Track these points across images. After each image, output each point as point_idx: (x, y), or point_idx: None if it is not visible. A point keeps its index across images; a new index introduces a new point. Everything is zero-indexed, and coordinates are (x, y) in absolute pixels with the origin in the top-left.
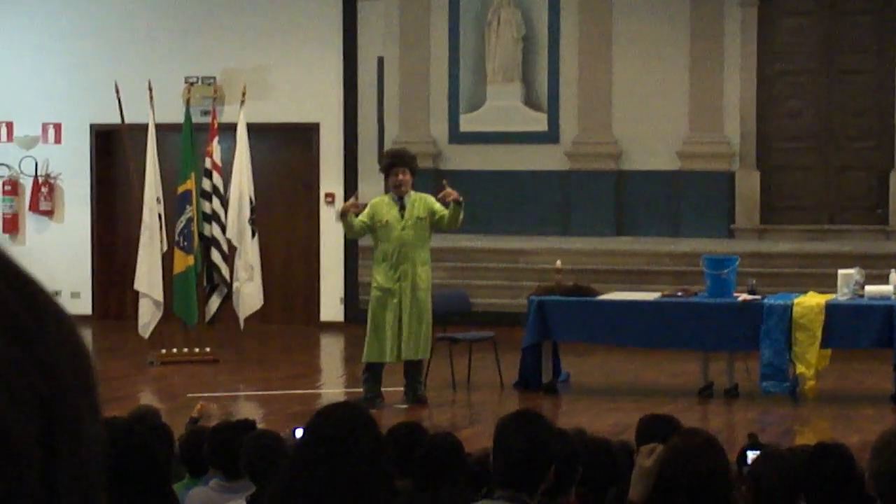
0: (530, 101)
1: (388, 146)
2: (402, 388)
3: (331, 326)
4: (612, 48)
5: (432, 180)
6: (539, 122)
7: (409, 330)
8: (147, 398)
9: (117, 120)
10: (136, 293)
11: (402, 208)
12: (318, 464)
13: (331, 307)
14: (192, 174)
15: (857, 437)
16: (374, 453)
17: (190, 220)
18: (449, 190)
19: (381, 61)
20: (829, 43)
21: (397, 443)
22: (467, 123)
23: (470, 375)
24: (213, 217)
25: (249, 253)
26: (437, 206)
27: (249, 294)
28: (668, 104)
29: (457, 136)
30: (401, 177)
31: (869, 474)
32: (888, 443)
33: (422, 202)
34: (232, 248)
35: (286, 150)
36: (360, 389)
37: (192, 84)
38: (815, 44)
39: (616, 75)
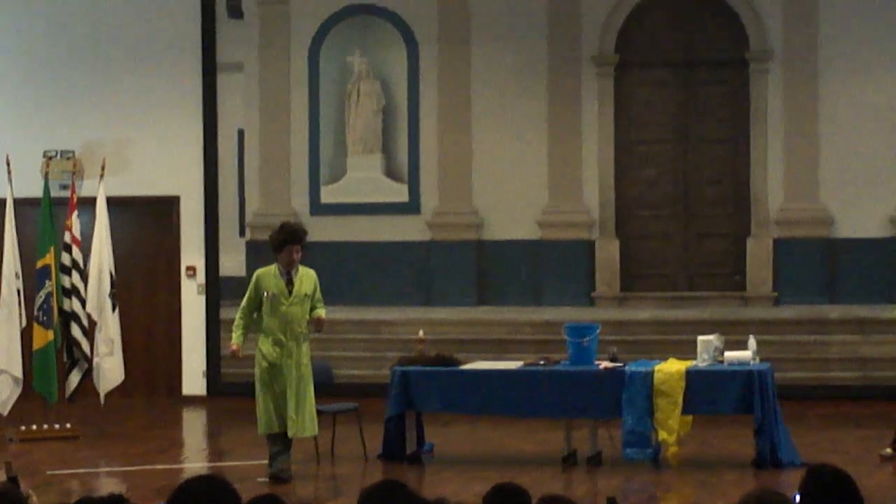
0: (391, 172)
1: (248, 218)
2: (265, 461)
3: (193, 400)
4: (472, 118)
5: None
6: (400, 193)
7: (297, 407)
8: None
9: None
10: None
11: (289, 283)
12: None
13: (193, 381)
14: (52, 248)
15: (721, 503)
16: None
17: (49, 294)
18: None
19: (241, 133)
20: (685, 111)
21: None
22: (328, 195)
23: (334, 447)
24: (72, 291)
25: (110, 327)
26: (317, 286)
27: (110, 369)
28: (527, 173)
29: (318, 208)
30: (294, 255)
31: None
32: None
33: (308, 278)
34: (92, 323)
35: (147, 223)
36: (225, 464)
37: (50, 158)
38: (670, 112)
39: (476, 145)
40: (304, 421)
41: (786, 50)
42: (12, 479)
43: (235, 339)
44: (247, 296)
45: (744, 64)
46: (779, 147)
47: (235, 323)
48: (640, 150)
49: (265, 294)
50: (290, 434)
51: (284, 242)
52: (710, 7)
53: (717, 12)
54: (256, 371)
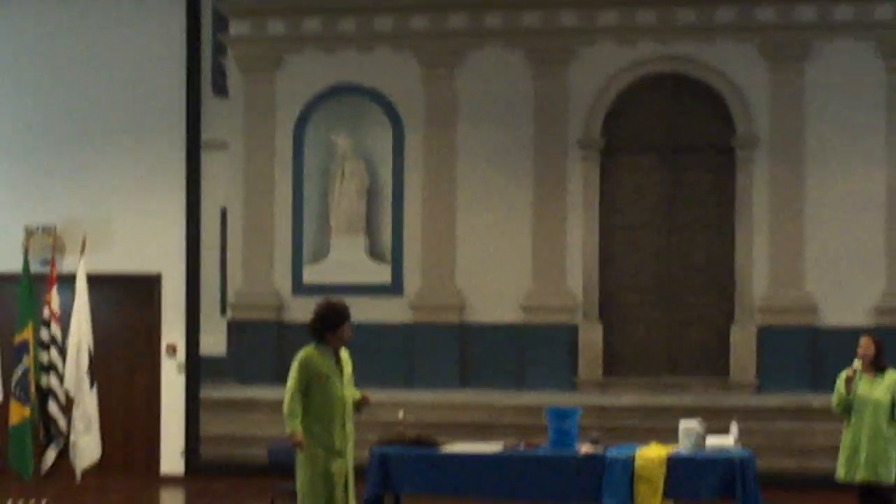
0: (374, 253)
1: (231, 298)
2: None
3: (171, 479)
4: (457, 200)
5: (275, 332)
6: (383, 274)
7: (349, 493)
8: None
9: None
10: None
11: (337, 362)
12: None
13: (171, 460)
14: (30, 323)
15: None
16: None
17: (27, 370)
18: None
19: (224, 212)
20: (670, 197)
21: None
22: (311, 275)
23: None
24: (50, 367)
25: (87, 404)
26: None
27: (87, 446)
28: (511, 256)
29: (300, 288)
30: (350, 332)
31: None
32: None
33: (348, 358)
34: (69, 400)
35: (127, 300)
36: None
37: (31, 233)
38: (655, 197)
39: (460, 227)
40: None
41: (772, 137)
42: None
43: (295, 426)
44: (295, 379)
45: (730, 150)
46: (764, 234)
47: (290, 410)
48: (625, 236)
49: (318, 377)
50: None
51: (344, 319)
52: (697, 93)
53: (705, 98)
54: (308, 460)
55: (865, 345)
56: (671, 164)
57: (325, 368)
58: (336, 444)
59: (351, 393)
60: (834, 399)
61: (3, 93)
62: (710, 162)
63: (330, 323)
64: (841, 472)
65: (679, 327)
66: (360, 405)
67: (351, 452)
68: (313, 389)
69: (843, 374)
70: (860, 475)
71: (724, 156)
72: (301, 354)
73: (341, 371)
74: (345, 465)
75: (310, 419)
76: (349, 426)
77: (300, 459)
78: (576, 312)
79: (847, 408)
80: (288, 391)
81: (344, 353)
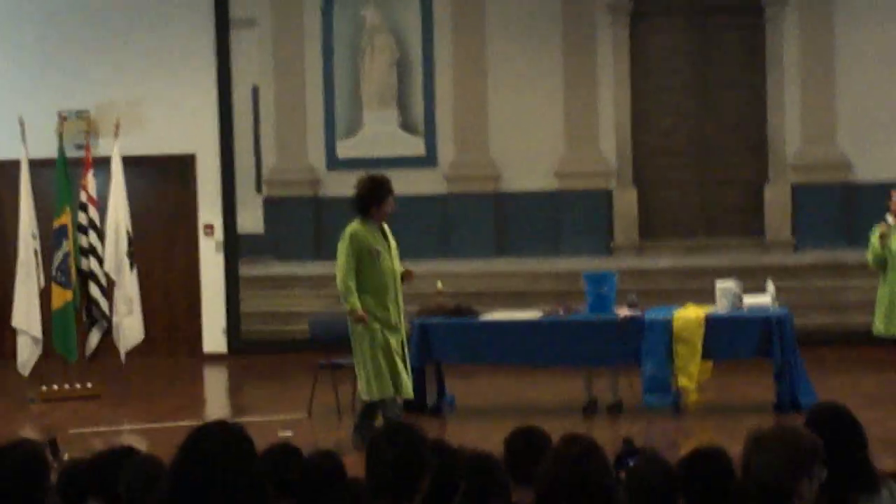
0: (407, 126)
1: (265, 175)
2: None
3: (214, 358)
4: (487, 69)
5: (312, 208)
6: (416, 147)
7: (406, 366)
8: (28, 435)
9: None
10: (14, 331)
11: (384, 236)
12: (194, 483)
13: (213, 338)
14: (68, 208)
15: (741, 447)
16: (250, 471)
17: (67, 254)
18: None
19: (255, 90)
20: (701, 58)
21: (273, 463)
22: (345, 150)
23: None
24: (90, 251)
25: (128, 286)
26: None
27: (130, 328)
28: (543, 124)
29: (335, 163)
30: (392, 205)
31: (744, 466)
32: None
33: (389, 231)
34: (110, 282)
35: (163, 181)
36: (247, 419)
37: (65, 118)
38: (686, 59)
39: (491, 96)
40: (409, 380)
41: None
42: (52, 443)
43: (353, 303)
44: (346, 255)
45: (759, 9)
46: (796, 92)
47: (346, 287)
48: (657, 98)
49: (368, 252)
50: (404, 395)
51: (387, 193)
52: None
53: None
54: (366, 334)
55: None
56: (701, 24)
57: (375, 243)
58: (391, 317)
59: (398, 266)
60: (869, 255)
61: None
62: (740, 21)
63: (374, 197)
64: (880, 326)
65: (713, 188)
66: (404, 278)
67: (403, 325)
68: (365, 265)
69: (877, 230)
70: None
71: (753, 14)
72: (348, 231)
73: (389, 245)
74: (401, 338)
75: (364, 295)
76: (400, 299)
77: (358, 335)
78: (610, 177)
79: (882, 263)
80: (340, 269)
81: (387, 228)
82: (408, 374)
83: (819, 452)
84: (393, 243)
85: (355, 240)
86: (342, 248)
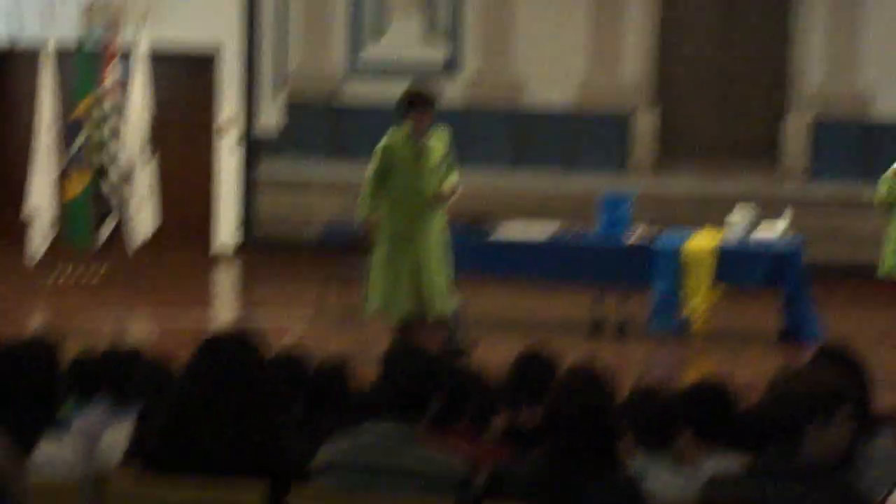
0: (432, 32)
1: (288, 76)
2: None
3: (227, 254)
4: None
5: (332, 111)
6: (441, 52)
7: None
8: (38, 323)
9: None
10: (27, 217)
11: (421, 150)
12: (206, 388)
13: (226, 236)
14: (88, 98)
15: (747, 373)
16: (261, 376)
17: (88, 139)
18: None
19: None
20: None
21: (283, 368)
22: (369, 53)
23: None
24: (109, 139)
25: (145, 177)
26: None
27: (144, 219)
28: (569, 40)
29: (358, 66)
30: (428, 122)
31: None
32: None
33: (440, 146)
34: (128, 172)
35: (184, 75)
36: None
37: (90, 8)
38: None
39: (520, 6)
40: (406, 301)
41: None
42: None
43: (366, 214)
44: (375, 165)
45: None
46: (820, 23)
47: (362, 197)
48: (682, 23)
49: (399, 162)
50: (395, 315)
51: (430, 105)
52: None
53: None
54: (378, 246)
55: None
56: None
57: (407, 154)
58: (403, 230)
59: (434, 182)
60: (879, 193)
61: None
62: None
63: (408, 108)
64: (893, 263)
65: (734, 115)
66: (438, 198)
67: (427, 242)
68: (393, 176)
69: (893, 170)
70: None
71: None
72: (384, 141)
73: (426, 159)
74: (415, 254)
75: (386, 205)
76: (428, 215)
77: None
78: (631, 98)
79: (891, 203)
80: (367, 177)
81: (437, 142)
82: (419, 289)
83: (841, 401)
84: (435, 157)
85: (386, 151)
86: (374, 157)
